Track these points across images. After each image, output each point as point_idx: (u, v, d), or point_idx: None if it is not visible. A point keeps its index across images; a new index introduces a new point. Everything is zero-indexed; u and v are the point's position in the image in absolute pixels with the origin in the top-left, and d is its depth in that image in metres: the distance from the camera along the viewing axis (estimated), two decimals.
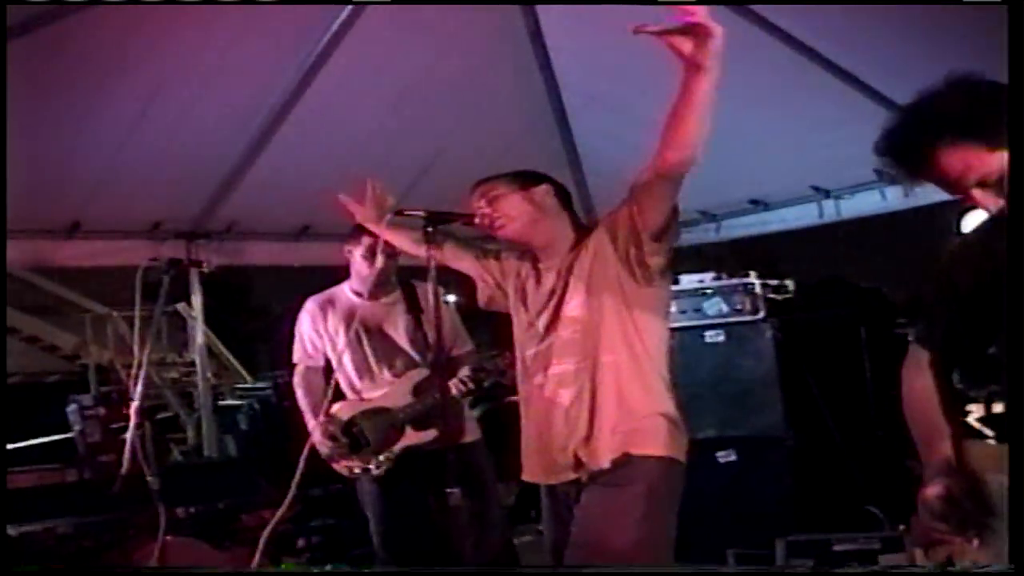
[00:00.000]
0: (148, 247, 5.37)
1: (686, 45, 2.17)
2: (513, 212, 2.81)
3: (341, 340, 3.91)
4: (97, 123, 4.71)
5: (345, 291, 4.05)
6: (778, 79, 4.43)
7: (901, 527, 4.27)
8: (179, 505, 4.31)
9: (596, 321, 2.65)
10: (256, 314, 18.63)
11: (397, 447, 3.79)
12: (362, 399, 3.94)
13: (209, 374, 7.54)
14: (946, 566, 1.83)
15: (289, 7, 4.41)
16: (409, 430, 3.80)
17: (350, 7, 4.51)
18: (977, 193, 1.80)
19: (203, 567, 3.94)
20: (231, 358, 12.67)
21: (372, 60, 4.84)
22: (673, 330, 2.84)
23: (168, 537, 3.47)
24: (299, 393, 4.03)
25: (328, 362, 4.01)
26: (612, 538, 2.55)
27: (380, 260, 3.71)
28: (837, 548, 4.17)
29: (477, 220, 2.84)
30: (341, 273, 4.15)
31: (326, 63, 4.76)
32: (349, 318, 3.89)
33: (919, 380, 2.03)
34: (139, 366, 3.46)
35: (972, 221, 4.80)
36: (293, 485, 2.97)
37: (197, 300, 6.34)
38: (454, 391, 3.72)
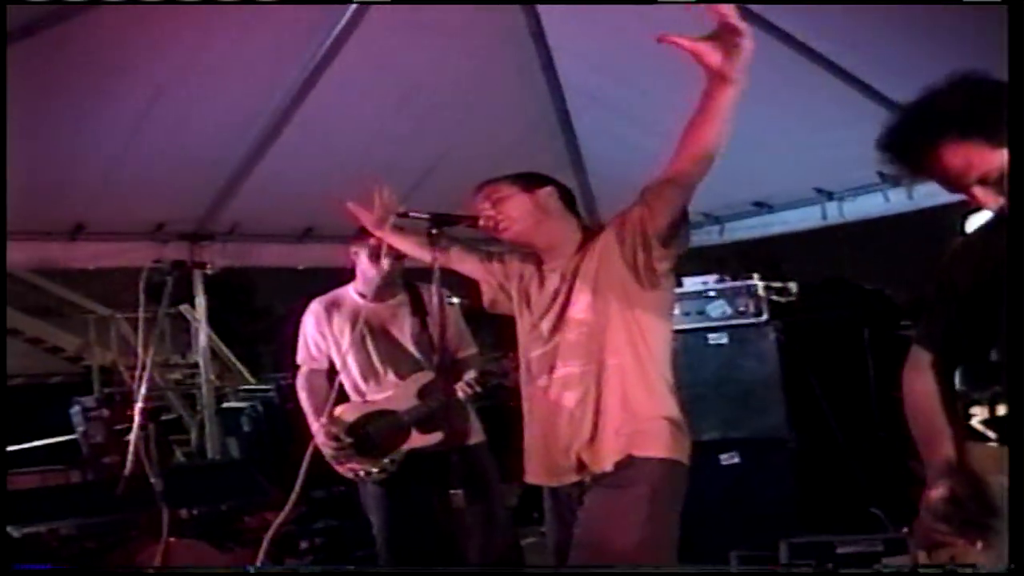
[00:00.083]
0: (152, 249, 5.39)
1: (714, 56, 2.17)
2: (517, 214, 2.81)
3: (346, 342, 3.89)
4: (100, 125, 4.71)
5: (350, 293, 4.04)
6: (780, 81, 4.42)
7: (904, 529, 4.25)
8: (182, 506, 4.30)
9: (602, 324, 2.64)
10: (259, 316, 18.65)
11: (402, 450, 3.78)
12: (366, 401, 3.93)
13: (212, 376, 7.53)
14: (948, 568, 1.82)
15: (292, 9, 4.41)
16: (414, 433, 3.79)
17: (353, 8, 4.50)
18: (978, 191, 1.80)
19: (206, 568, 3.91)
20: (234, 360, 12.65)
21: (375, 62, 4.84)
22: (676, 332, 2.84)
23: (171, 538, 3.51)
24: (302, 395, 4.02)
25: (332, 364, 4.00)
26: (615, 539, 2.55)
27: (386, 262, 3.70)
28: (840, 550, 4.15)
29: (481, 222, 2.84)
30: (345, 275, 4.15)
31: (329, 65, 4.76)
32: (354, 320, 3.87)
33: (920, 381, 2.03)
34: (143, 368, 3.47)
35: (975, 223, 4.82)
36: (296, 487, 2.97)
37: (200, 302, 6.34)
38: (460, 394, 3.71)
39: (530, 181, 2.87)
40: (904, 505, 4.44)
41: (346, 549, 5.44)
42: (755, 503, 4.80)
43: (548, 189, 2.86)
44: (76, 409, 6.89)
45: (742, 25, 2.10)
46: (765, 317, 4.93)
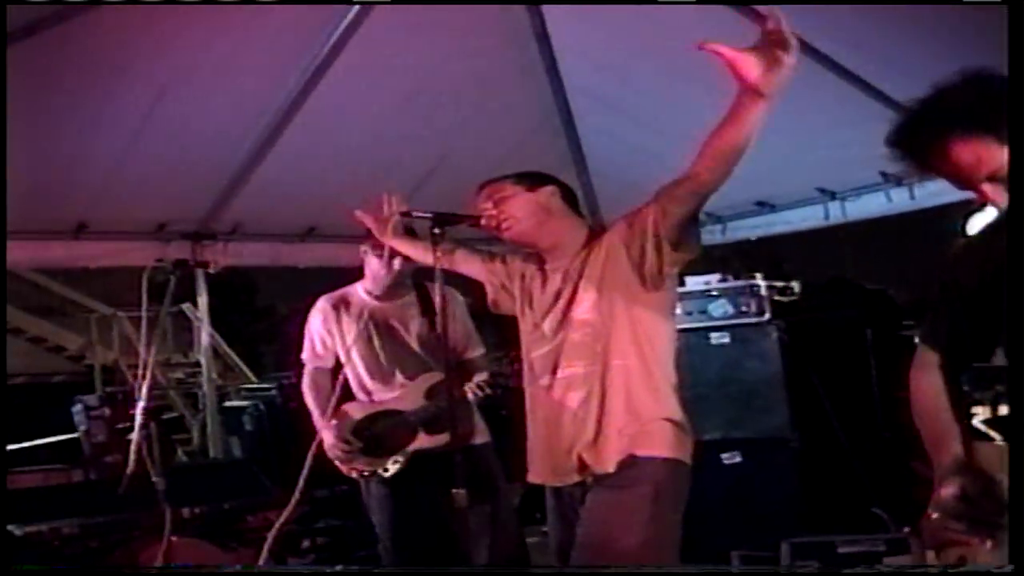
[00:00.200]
0: (154, 248, 5.40)
1: (753, 70, 2.15)
2: (519, 213, 2.80)
3: (353, 341, 3.87)
4: (103, 124, 4.70)
5: (358, 291, 4.01)
6: (790, 80, 4.41)
7: (907, 529, 4.25)
8: (184, 506, 4.29)
9: (606, 325, 2.64)
10: (261, 315, 18.64)
11: (408, 450, 3.77)
12: (373, 401, 3.91)
13: (214, 375, 7.54)
14: (947, 567, 1.82)
15: (294, 9, 4.40)
16: (421, 433, 3.78)
17: (356, 8, 4.50)
18: (987, 187, 1.79)
19: (208, 567, 3.92)
20: (236, 359, 12.65)
21: (378, 62, 4.82)
22: (679, 332, 2.84)
23: (173, 537, 3.49)
24: (307, 394, 3.98)
25: (337, 363, 3.98)
26: (618, 539, 2.55)
27: (397, 261, 3.69)
28: (842, 550, 4.15)
29: (483, 221, 2.84)
30: (347, 274, 4.13)
31: (332, 64, 4.75)
32: (362, 318, 3.84)
33: (927, 381, 2.01)
34: (145, 367, 3.46)
35: (978, 223, 4.82)
36: (299, 485, 2.97)
37: (203, 301, 6.35)
38: (470, 396, 3.68)
39: (532, 180, 2.86)
40: (907, 505, 4.46)
41: (348, 549, 5.43)
42: (757, 503, 4.79)
43: (550, 188, 2.85)
44: (78, 408, 6.92)
45: (792, 39, 2.09)
46: (767, 317, 4.91)
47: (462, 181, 3.05)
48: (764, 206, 6.10)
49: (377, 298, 3.92)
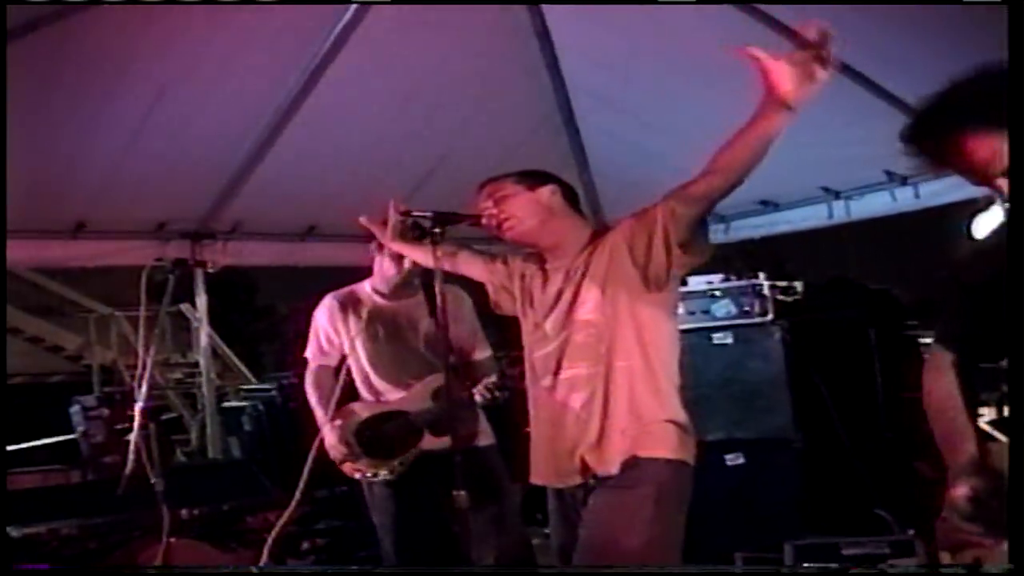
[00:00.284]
0: (153, 247, 5.39)
1: (785, 81, 2.13)
2: (520, 212, 2.79)
3: (360, 339, 3.84)
4: (102, 123, 4.69)
5: (367, 289, 3.96)
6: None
7: (911, 531, 4.24)
8: (183, 506, 4.28)
9: (610, 325, 2.63)
10: (261, 315, 18.61)
11: (413, 451, 3.74)
12: (379, 401, 3.88)
13: (213, 375, 7.52)
14: (946, 567, 1.80)
15: (293, 7, 4.39)
16: (427, 435, 3.75)
17: (354, 7, 4.48)
18: (1003, 183, 1.77)
19: (207, 568, 3.90)
20: (235, 359, 12.63)
21: (378, 60, 4.82)
22: (681, 332, 2.82)
23: (172, 539, 3.48)
24: (311, 392, 3.94)
25: (341, 361, 3.94)
26: (621, 540, 2.54)
27: (407, 260, 3.65)
28: (846, 552, 4.14)
29: (484, 221, 2.82)
30: (348, 273, 4.11)
31: (332, 63, 4.75)
32: (370, 317, 3.81)
33: (941, 381, 2.00)
34: (143, 367, 3.45)
35: (982, 223, 4.81)
36: (300, 485, 2.95)
37: (201, 300, 6.33)
38: (478, 398, 3.64)
39: (533, 179, 2.85)
40: (910, 507, 4.45)
41: (348, 550, 5.41)
42: (760, 504, 4.76)
43: (551, 187, 2.84)
44: (76, 408, 6.89)
45: (832, 56, 2.07)
46: (770, 317, 4.88)
47: (463, 180, 3.05)
48: (767, 205, 6.08)
49: (386, 297, 3.89)
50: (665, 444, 2.59)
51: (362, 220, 3.16)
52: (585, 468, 2.64)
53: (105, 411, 6.67)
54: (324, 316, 3.98)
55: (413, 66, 4.92)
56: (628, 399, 2.61)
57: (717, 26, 4.46)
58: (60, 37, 3.96)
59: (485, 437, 3.88)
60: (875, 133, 4.25)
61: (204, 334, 6.93)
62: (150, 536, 3.75)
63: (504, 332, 3.54)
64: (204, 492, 4.68)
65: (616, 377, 2.61)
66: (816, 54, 2.08)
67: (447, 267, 3.00)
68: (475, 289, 3.30)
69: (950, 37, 4.00)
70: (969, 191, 4.95)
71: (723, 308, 4.97)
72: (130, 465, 3.31)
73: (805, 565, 4.14)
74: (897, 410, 4.83)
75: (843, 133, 4.82)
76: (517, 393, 3.21)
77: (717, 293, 4.99)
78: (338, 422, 3.73)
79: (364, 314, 3.85)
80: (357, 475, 3.79)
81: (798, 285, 5.10)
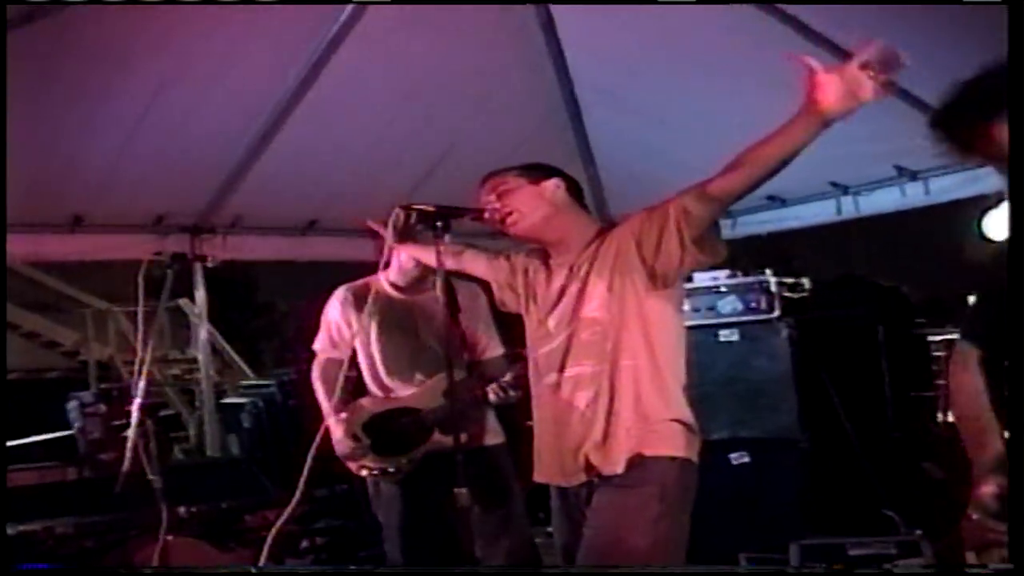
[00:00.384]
0: (152, 242, 5.36)
1: (830, 96, 2.11)
2: (524, 207, 2.75)
3: (374, 333, 3.77)
4: (101, 116, 4.67)
5: (382, 282, 3.83)
6: (796, 71, 4.36)
7: (918, 531, 4.21)
8: (181, 505, 4.27)
9: (616, 323, 2.59)
10: (261, 311, 18.62)
11: (421, 449, 3.67)
12: (389, 397, 3.80)
13: (212, 371, 7.50)
14: (946, 567, 1.78)
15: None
16: (436, 433, 3.69)
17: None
18: None
19: (206, 568, 3.90)
20: (234, 355, 12.61)
21: (381, 53, 4.79)
22: (687, 329, 2.79)
23: (170, 537, 3.45)
24: (317, 385, 3.85)
25: (352, 356, 3.86)
26: (625, 539, 2.51)
27: None
28: (852, 552, 4.14)
29: (487, 215, 2.79)
30: (349, 269, 4.05)
31: (334, 56, 4.71)
32: (385, 311, 3.74)
33: (966, 377, 2.00)
34: (141, 363, 3.41)
35: (993, 220, 4.77)
36: (301, 483, 2.91)
37: (200, 296, 6.30)
38: (492, 397, 3.57)
39: (536, 172, 2.81)
40: (918, 507, 4.42)
41: (348, 549, 5.39)
42: (765, 504, 4.74)
43: (555, 181, 2.80)
44: (73, 405, 6.86)
45: (889, 83, 2.07)
46: (777, 314, 4.86)
47: (466, 175, 3.01)
48: (775, 200, 6.02)
49: (402, 290, 3.82)
50: (671, 443, 2.57)
51: (369, 223, 3.11)
52: (589, 467, 2.61)
53: (102, 407, 6.65)
54: (336, 308, 3.89)
55: (416, 60, 4.88)
56: (634, 398, 2.58)
57: (723, 21, 4.44)
58: (59, 29, 3.94)
59: (495, 436, 3.82)
60: (885, 128, 4.22)
61: (203, 330, 6.89)
62: (147, 534, 3.73)
63: (509, 330, 3.51)
64: (202, 490, 4.67)
65: (622, 376, 2.58)
66: (870, 77, 2.07)
67: (453, 266, 3.00)
68: (484, 288, 3.29)
69: (961, 32, 3.96)
70: (980, 187, 4.94)
71: (729, 305, 4.94)
72: (127, 462, 3.28)
73: (810, 565, 4.12)
74: (905, 409, 4.82)
75: (852, 128, 4.74)
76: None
77: (723, 289, 4.96)
78: (345, 415, 3.67)
79: (378, 307, 3.77)
80: (364, 472, 3.73)
81: (805, 282, 5.10)
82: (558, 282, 2.72)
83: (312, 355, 3.98)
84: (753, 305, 4.88)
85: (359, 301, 3.81)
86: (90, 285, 13.01)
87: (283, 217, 5.89)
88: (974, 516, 1.80)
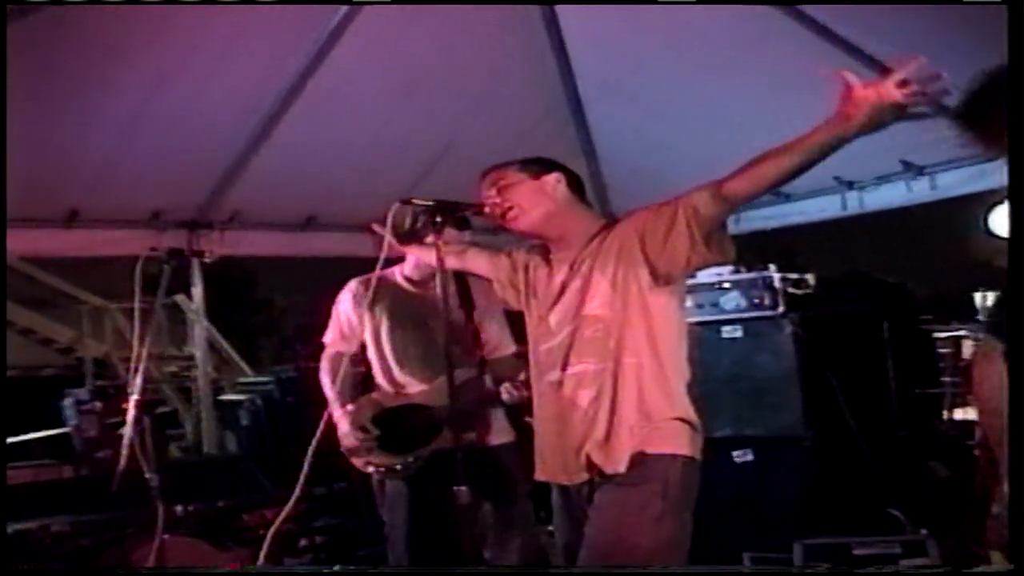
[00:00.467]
0: (149, 237, 5.28)
1: (862, 109, 2.10)
2: (524, 202, 2.74)
3: (385, 327, 3.73)
4: (98, 110, 4.63)
5: (396, 276, 3.83)
6: (803, 67, 4.33)
7: (923, 531, 4.19)
8: (178, 503, 4.27)
9: (619, 321, 2.58)
10: (259, 308, 18.63)
11: (431, 447, 3.62)
12: (399, 393, 3.76)
13: (209, 368, 7.47)
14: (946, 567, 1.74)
15: None
16: (446, 430, 3.64)
17: None
18: None
19: (203, 567, 3.91)
20: (232, 352, 12.58)
21: (380, 46, 4.76)
22: (689, 325, 2.77)
23: (167, 536, 3.43)
24: (325, 379, 3.81)
25: (362, 351, 3.82)
26: (627, 538, 2.51)
27: None
28: (857, 552, 4.11)
29: (487, 209, 2.78)
30: (349, 265, 4.01)
31: (333, 49, 4.68)
32: (398, 305, 3.72)
33: (990, 371, 1.97)
34: (138, 360, 3.37)
35: (1000, 215, 4.74)
36: (300, 482, 2.88)
37: (198, 292, 6.27)
38: (505, 396, 3.55)
39: (537, 166, 2.80)
40: (923, 506, 4.39)
41: (347, 548, 5.37)
42: (769, 503, 4.70)
43: (556, 175, 2.79)
44: (69, 402, 6.83)
45: (929, 99, 2.05)
46: (781, 310, 4.80)
47: (468, 169, 2.98)
48: (779, 195, 5.95)
49: (416, 285, 3.78)
50: (673, 441, 2.56)
51: (374, 227, 3.06)
52: (591, 465, 2.60)
53: (98, 405, 6.61)
54: (348, 301, 3.86)
55: (417, 54, 4.86)
56: (637, 396, 2.57)
57: (727, 16, 4.42)
58: (56, 23, 3.91)
59: (500, 435, 3.78)
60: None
61: (200, 327, 6.86)
62: (144, 533, 3.69)
63: (512, 328, 3.53)
64: (200, 488, 4.67)
65: (625, 374, 2.57)
66: (905, 98, 2.05)
67: (456, 265, 3.02)
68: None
69: (970, 27, 3.93)
70: (987, 183, 4.91)
71: (732, 301, 4.90)
72: (123, 460, 3.25)
73: (814, 565, 4.08)
74: (910, 407, 4.80)
75: None
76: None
77: (726, 285, 4.91)
78: (353, 408, 3.63)
79: (391, 301, 3.74)
80: (370, 469, 3.68)
81: (810, 278, 5.06)
82: (559, 278, 2.70)
83: (311, 352, 3.95)
84: (757, 301, 4.83)
85: (371, 295, 3.76)
86: (86, 281, 13.00)
87: (281, 213, 5.85)
88: (998, 513, 1.76)
